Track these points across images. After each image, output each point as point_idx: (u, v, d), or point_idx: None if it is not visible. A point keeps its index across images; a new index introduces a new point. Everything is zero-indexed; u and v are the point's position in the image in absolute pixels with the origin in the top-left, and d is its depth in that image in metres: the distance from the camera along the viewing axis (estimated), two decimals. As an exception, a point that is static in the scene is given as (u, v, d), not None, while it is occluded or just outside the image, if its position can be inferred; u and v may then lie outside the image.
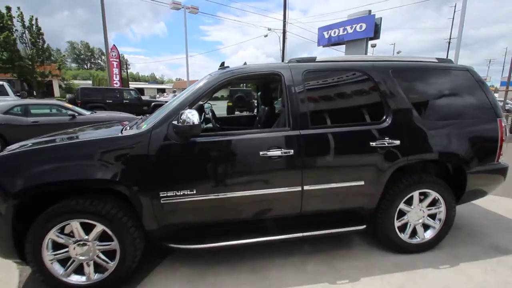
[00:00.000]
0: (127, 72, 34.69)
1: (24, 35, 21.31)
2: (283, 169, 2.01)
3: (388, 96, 2.18)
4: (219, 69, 2.31)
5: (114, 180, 1.76)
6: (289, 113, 2.07)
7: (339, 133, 2.09)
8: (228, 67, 2.28)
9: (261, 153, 1.96)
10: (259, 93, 3.43)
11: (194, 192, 1.89)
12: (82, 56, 71.00)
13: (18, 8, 20.89)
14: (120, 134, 1.96)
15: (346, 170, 2.12)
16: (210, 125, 3.39)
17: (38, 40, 21.83)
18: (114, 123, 2.77)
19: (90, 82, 36.68)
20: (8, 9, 20.26)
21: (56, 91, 31.88)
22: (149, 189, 1.83)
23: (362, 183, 2.12)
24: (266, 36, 22.43)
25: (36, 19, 21.78)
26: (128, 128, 2.19)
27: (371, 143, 2.09)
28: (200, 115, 2.66)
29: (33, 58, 21.54)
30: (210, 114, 3.51)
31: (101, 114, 7.75)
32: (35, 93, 22.29)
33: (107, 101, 11.73)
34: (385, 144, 2.10)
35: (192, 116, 1.74)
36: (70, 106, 7.41)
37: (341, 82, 2.25)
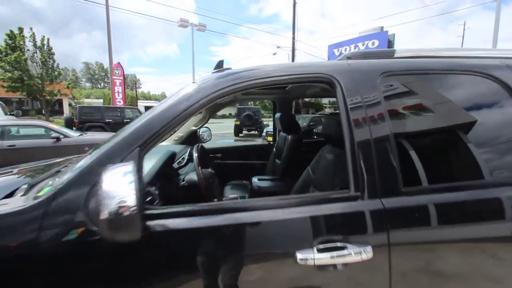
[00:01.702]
0: (136, 91, 34.83)
1: (35, 54, 21.48)
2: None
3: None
4: (214, 71, 1.25)
5: None
6: (354, 157, 0.97)
7: (473, 203, 0.95)
8: (229, 68, 1.21)
9: (298, 256, 0.84)
10: (278, 115, 2.38)
11: None
12: (96, 76, 73.51)
13: (31, 28, 21.21)
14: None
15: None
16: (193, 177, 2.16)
17: (48, 60, 21.96)
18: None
19: (101, 100, 37.00)
20: (21, 29, 20.55)
21: (66, 110, 32.13)
22: None
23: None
24: (275, 54, 21.96)
25: (48, 39, 22.03)
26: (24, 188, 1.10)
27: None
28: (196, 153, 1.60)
29: (42, 77, 21.57)
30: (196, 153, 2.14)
31: (91, 136, 6.86)
32: (43, 112, 22.11)
33: (107, 120, 10.96)
34: None
35: (123, 185, 0.65)
36: (55, 127, 6.53)
37: (456, 93, 1.14)
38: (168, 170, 1.39)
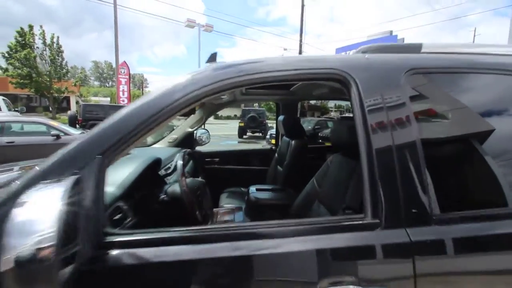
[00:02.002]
0: (142, 90, 35.12)
1: (44, 52, 21.72)
2: None
3: None
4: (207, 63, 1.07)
5: None
6: (372, 172, 0.78)
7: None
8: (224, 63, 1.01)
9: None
10: (281, 118, 2.17)
11: None
12: (104, 75, 74.27)
13: (41, 26, 21.47)
14: None
15: None
16: (176, 189, 1.71)
17: (57, 58, 22.20)
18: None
19: (109, 99, 37.33)
20: (31, 27, 20.82)
21: (73, 107, 32.52)
22: None
23: None
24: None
25: (58, 37, 22.28)
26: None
27: None
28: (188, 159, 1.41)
29: (50, 74, 21.81)
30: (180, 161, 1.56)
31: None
32: (50, 109, 22.31)
33: (111, 118, 10.88)
34: None
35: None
36: (56, 124, 6.44)
37: (503, 97, 0.92)
38: (150, 178, 1.20)
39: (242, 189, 2.37)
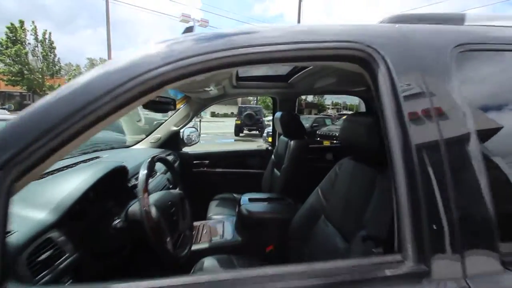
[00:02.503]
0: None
1: (36, 48, 21.21)
2: None
3: None
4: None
5: None
6: (413, 188, 0.53)
7: None
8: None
9: None
10: (278, 115, 1.90)
11: None
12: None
13: (33, 22, 20.97)
14: None
15: None
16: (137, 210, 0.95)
17: (49, 54, 21.72)
18: None
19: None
20: (22, 22, 20.31)
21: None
22: None
23: None
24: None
25: (50, 33, 21.75)
26: None
27: None
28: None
29: (43, 71, 21.35)
30: (144, 171, 0.96)
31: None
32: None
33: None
34: None
35: None
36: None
37: None
38: (108, 194, 0.93)
39: (235, 195, 2.10)
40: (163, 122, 2.07)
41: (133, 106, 0.57)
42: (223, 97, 2.09)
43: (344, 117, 11.65)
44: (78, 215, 0.76)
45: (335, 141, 8.68)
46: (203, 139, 12.46)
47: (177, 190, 1.08)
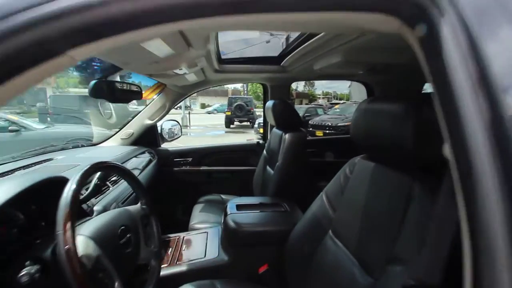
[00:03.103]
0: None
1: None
2: None
3: None
4: None
5: None
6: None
7: None
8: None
9: None
10: (269, 104, 1.61)
11: None
12: (83, 65, 70.85)
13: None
14: None
15: None
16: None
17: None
18: None
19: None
20: None
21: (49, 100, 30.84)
22: None
23: None
24: (268, 42, 20.95)
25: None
26: None
27: None
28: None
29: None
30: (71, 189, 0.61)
31: (58, 129, 6.08)
32: (25, 102, 20.80)
33: (85, 111, 10.03)
34: None
35: None
36: (15, 118, 5.67)
37: None
38: (25, 223, 0.64)
39: (223, 196, 1.84)
40: (136, 115, 1.76)
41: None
42: (205, 85, 1.79)
43: (336, 106, 11.44)
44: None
45: (327, 131, 8.50)
46: (193, 131, 12.14)
47: (137, 206, 0.81)
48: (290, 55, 1.34)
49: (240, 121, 12.81)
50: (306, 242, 0.93)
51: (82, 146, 1.75)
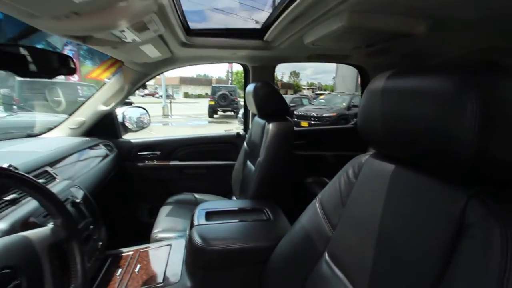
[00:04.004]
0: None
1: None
2: None
3: None
4: None
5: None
6: None
7: None
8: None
9: None
10: (250, 88, 1.34)
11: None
12: (58, 50, 66.33)
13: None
14: None
15: None
16: None
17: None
18: None
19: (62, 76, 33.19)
20: None
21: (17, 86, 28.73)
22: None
23: None
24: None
25: None
26: None
27: None
28: None
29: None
30: None
31: (22, 118, 5.48)
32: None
33: (55, 98, 9.26)
34: None
35: None
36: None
37: None
38: None
39: (196, 196, 1.58)
40: (86, 101, 1.44)
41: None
42: (173, 63, 1.49)
43: (322, 96, 11.35)
44: None
45: (312, 121, 8.35)
46: (175, 121, 11.63)
47: (44, 230, 0.54)
48: (276, 23, 1.08)
49: (224, 111, 12.44)
50: (293, 266, 0.70)
51: (21, 137, 1.42)
